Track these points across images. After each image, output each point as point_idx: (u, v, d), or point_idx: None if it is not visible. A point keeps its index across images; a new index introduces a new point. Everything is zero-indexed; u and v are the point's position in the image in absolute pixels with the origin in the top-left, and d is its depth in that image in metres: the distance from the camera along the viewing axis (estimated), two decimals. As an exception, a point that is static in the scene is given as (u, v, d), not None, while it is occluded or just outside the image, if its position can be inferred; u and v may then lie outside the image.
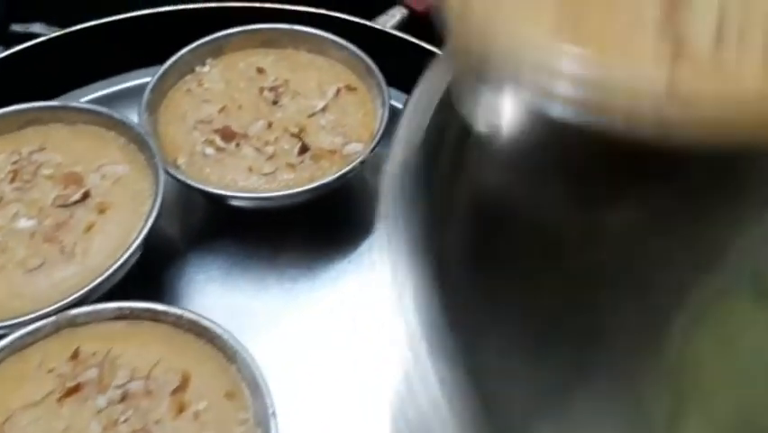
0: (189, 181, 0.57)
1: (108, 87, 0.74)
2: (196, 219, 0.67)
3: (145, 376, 0.46)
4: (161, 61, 0.66)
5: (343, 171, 0.58)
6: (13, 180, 0.56)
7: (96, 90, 0.73)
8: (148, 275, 0.59)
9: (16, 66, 0.68)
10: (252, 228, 0.65)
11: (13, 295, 0.50)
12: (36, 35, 0.73)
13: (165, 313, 0.49)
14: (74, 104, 0.62)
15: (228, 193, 0.58)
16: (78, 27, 0.72)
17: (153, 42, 0.69)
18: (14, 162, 0.57)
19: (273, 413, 0.43)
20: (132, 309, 0.49)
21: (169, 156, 0.60)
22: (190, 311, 0.49)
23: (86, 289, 0.49)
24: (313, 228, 0.65)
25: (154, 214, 0.54)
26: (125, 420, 0.43)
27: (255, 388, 0.45)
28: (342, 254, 0.63)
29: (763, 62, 0.25)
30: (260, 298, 0.61)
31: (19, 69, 0.68)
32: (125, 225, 0.55)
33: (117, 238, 0.54)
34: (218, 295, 0.61)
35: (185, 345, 0.48)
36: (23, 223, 0.53)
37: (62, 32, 0.70)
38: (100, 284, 0.50)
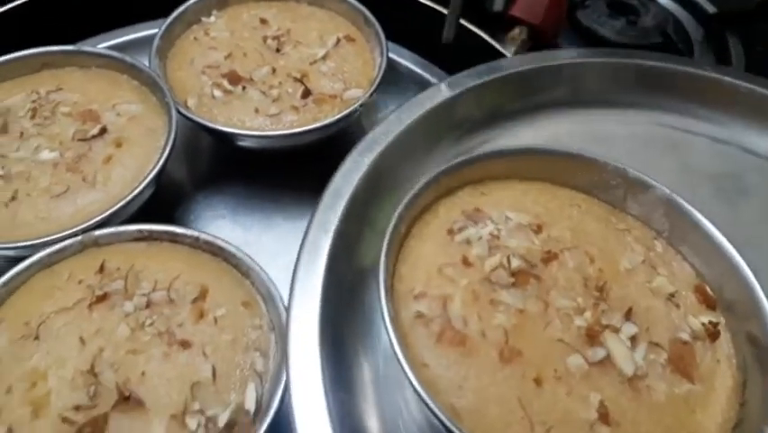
0: (200, 120, 0.61)
1: (119, 36, 0.77)
2: (204, 162, 0.71)
3: (167, 287, 0.49)
4: (169, 14, 0.69)
5: (344, 113, 0.62)
6: (33, 117, 0.59)
7: (108, 39, 0.76)
8: (159, 214, 0.63)
9: (33, 14, 0.71)
10: (258, 170, 0.69)
11: (39, 219, 0.54)
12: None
13: (183, 235, 0.53)
14: (88, 48, 0.65)
15: (237, 131, 0.61)
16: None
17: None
18: (33, 101, 0.61)
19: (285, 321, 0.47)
20: (151, 231, 0.53)
21: (179, 98, 0.63)
22: (206, 233, 0.53)
23: (108, 212, 0.53)
24: (315, 170, 0.68)
25: (169, 147, 0.57)
26: (151, 324, 0.47)
27: (269, 298, 0.50)
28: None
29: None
30: (268, 234, 0.65)
31: (36, 18, 0.71)
32: (141, 158, 0.58)
33: (134, 169, 0.57)
34: (228, 230, 0.65)
35: (202, 262, 0.52)
36: (46, 155, 0.57)
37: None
38: (121, 209, 0.53)
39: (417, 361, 0.39)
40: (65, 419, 0.43)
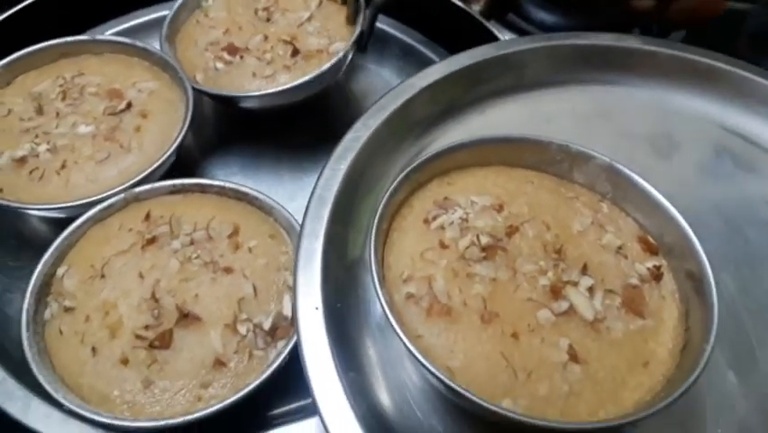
0: (208, 90, 0.70)
1: (122, 23, 0.85)
2: (213, 128, 0.79)
3: (205, 227, 0.59)
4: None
5: (331, 63, 0.70)
6: (63, 99, 0.68)
7: (112, 27, 0.85)
8: (182, 174, 0.71)
9: (41, 10, 0.79)
10: (262, 131, 0.78)
11: (89, 181, 0.62)
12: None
13: (211, 185, 0.62)
14: (101, 37, 0.73)
15: (237, 94, 0.70)
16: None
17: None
18: (61, 85, 0.69)
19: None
20: (183, 184, 0.62)
21: (189, 74, 0.71)
22: (231, 182, 0.62)
23: (148, 171, 0.62)
24: (311, 127, 0.78)
25: (190, 114, 0.66)
26: (197, 257, 0.57)
27: (291, 230, 0.59)
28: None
29: None
30: (277, 185, 0.74)
31: (44, 13, 0.79)
32: (166, 125, 0.67)
33: (162, 135, 0.66)
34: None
35: (230, 206, 0.61)
36: (83, 129, 0.65)
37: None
38: (158, 167, 0.63)
39: (413, 334, 0.45)
40: (138, 336, 0.53)
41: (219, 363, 0.52)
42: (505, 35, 0.82)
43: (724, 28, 0.82)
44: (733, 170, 0.61)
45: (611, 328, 0.45)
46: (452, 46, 0.82)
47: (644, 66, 0.66)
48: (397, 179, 0.50)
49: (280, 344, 0.53)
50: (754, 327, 0.51)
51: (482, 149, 0.54)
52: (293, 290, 0.49)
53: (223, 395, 0.51)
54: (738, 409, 0.48)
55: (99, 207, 0.60)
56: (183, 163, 0.74)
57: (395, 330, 0.43)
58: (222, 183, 0.62)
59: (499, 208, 0.51)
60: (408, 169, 0.51)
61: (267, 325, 0.54)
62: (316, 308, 0.48)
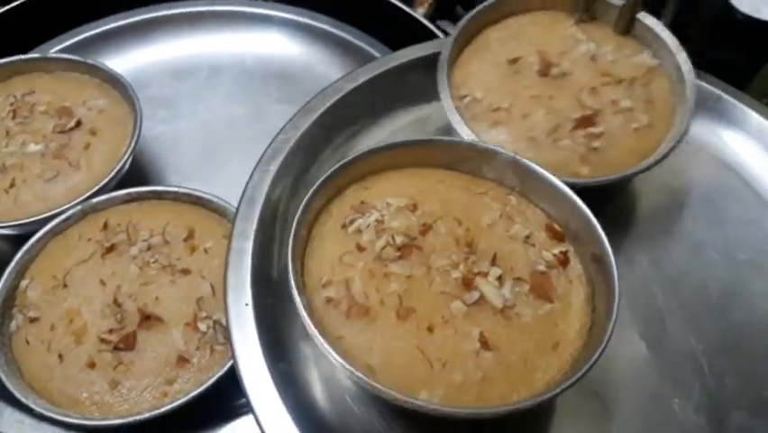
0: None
1: (68, 39, 0.87)
2: (163, 138, 0.81)
3: (161, 233, 0.61)
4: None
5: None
6: (14, 117, 0.69)
7: (59, 43, 0.87)
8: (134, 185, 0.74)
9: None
10: (211, 136, 0.81)
11: (38, 199, 0.65)
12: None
13: (165, 192, 0.65)
14: (53, 54, 0.75)
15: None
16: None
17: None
18: (11, 104, 0.70)
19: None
20: (138, 193, 0.65)
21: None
22: (185, 187, 0.65)
23: (96, 187, 0.64)
24: (257, 128, 0.79)
25: (138, 130, 0.68)
26: (155, 261, 0.59)
27: (244, 230, 0.62)
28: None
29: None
30: (228, 186, 0.71)
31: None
32: (115, 142, 0.69)
33: (111, 151, 0.68)
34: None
35: (184, 211, 0.64)
36: (32, 147, 0.67)
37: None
38: (108, 182, 0.65)
39: (334, 336, 0.46)
40: (103, 340, 0.55)
41: (182, 360, 0.55)
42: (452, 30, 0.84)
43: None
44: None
45: (521, 314, 0.47)
46: (393, 43, 0.85)
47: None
48: (314, 187, 0.52)
49: (240, 337, 0.56)
50: (665, 300, 0.56)
51: (397, 152, 0.56)
52: (223, 288, 0.52)
53: (188, 389, 0.54)
54: (649, 377, 0.52)
55: (57, 219, 0.62)
56: (136, 172, 0.77)
57: (312, 335, 0.45)
58: (176, 189, 0.65)
59: (413, 208, 0.53)
60: (324, 176, 0.52)
61: (225, 321, 0.57)
62: (246, 305, 0.51)
